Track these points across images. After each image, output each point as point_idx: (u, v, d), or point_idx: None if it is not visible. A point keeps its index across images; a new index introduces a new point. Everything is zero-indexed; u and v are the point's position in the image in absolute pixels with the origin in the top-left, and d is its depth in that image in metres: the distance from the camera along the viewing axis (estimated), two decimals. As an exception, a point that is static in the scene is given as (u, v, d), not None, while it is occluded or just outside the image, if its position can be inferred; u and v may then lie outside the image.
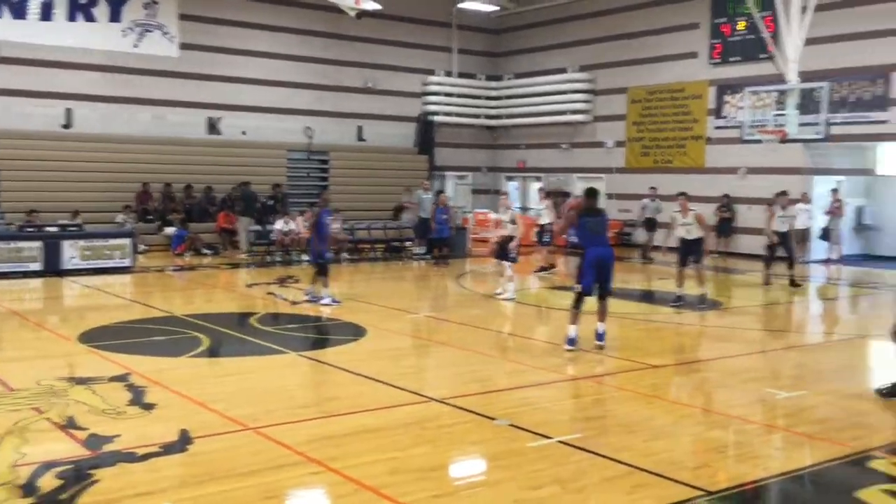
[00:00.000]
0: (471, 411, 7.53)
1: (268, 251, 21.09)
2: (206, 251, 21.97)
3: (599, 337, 10.47)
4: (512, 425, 7.10)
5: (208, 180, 23.53)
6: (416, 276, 19.85)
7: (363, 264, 21.12)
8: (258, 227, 21.61)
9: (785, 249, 16.74)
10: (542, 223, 19.38)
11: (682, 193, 15.10)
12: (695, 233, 14.35)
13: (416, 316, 13.42)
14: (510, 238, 15.07)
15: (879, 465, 6.26)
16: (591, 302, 10.60)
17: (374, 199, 25.54)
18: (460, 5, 28.09)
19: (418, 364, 10.23)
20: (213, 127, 24.88)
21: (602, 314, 10.57)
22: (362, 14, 20.26)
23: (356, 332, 11.54)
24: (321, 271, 13.97)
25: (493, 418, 7.28)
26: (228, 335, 11.43)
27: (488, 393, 8.32)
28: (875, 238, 23.60)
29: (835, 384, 9.32)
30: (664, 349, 11.34)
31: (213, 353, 10.32)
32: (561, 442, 6.66)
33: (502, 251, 15.09)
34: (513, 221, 15.30)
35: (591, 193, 10.85)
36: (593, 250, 10.38)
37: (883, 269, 21.01)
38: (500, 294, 14.94)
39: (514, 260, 14.99)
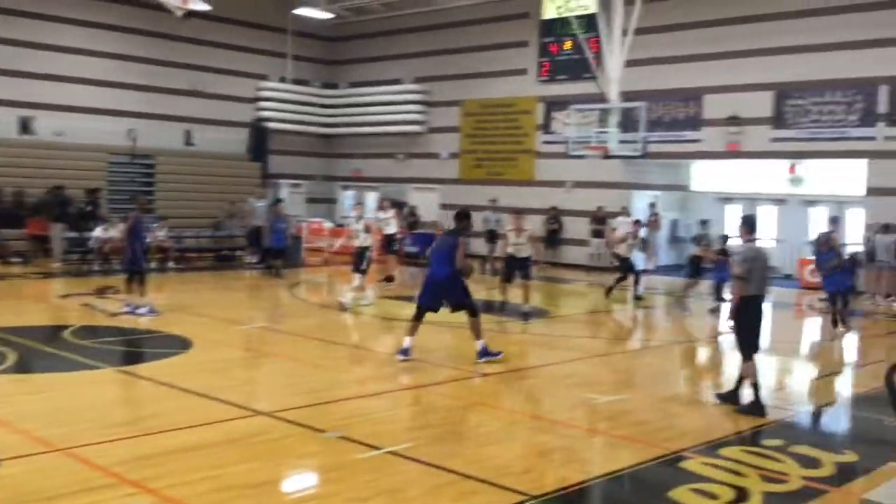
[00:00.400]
0: (300, 424, 7.36)
1: (84, 259, 19.88)
2: (14, 259, 20.43)
3: (482, 353, 10.44)
4: (342, 437, 6.99)
5: (20, 183, 21.88)
6: (247, 286, 19.33)
7: (190, 274, 20.34)
8: (74, 234, 20.35)
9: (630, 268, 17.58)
10: (389, 233, 19.22)
11: (519, 211, 15.55)
12: (524, 251, 14.76)
13: (246, 327, 13.02)
14: (365, 248, 14.90)
15: (689, 465, 6.62)
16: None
17: (203, 206, 24.61)
18: (296, 11, 27.69)
19: (246, 377, 9.92)
20: (25, 127, 23.22)
21: (473, 331, 10.55)
22: (190, 14, 19.52)
23: (181, 344, 11.05)
24: (138, 280, 13.32)
25: (322, 431, 7.15)
26: (38, 350, 10.64)
27: (319, 405, 8.17)
28: (687, 250, 25.12)
29: (652, 388, 9.82)
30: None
31: (20, 369, 9.56)
32: (391, 452, 6.62)
33: (358, 260, 14.86)
34: (366, 230, 15.17)
35: (459, 216, 11.01)
36: (429, 270, 10.70)
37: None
38: (344, 302, 14.68)
39: (363, 271, 14.85)
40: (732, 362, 12.36)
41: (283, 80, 29.23)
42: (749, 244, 8.74)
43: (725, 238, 16.28)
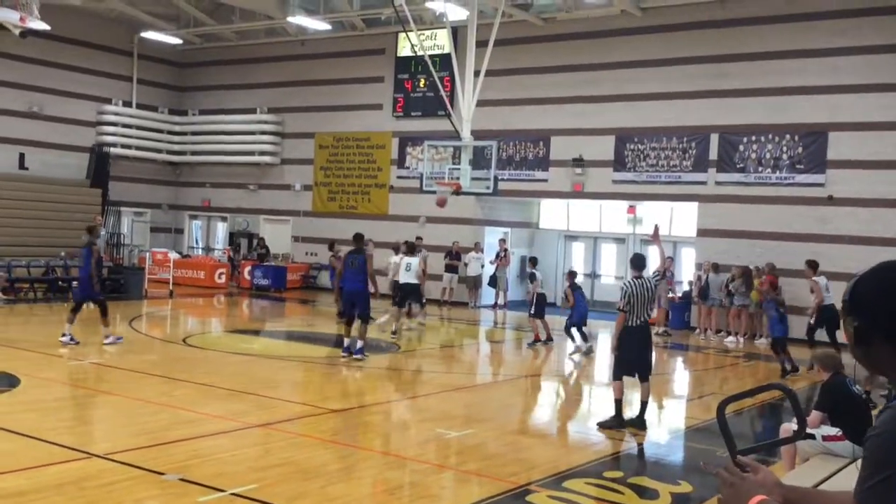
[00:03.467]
0: (138, 466, 6.98)
1: None
2: None
3: (346, 349, 13.09)
4: (183, 479, 6.68)
5: None
6: (83, 320, 18.25)
7: (21, 305, 19.05)
8: None
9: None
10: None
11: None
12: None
13: (80, 363, 12.28)
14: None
15: (536, 498, 6.74)
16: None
17: (38, 233, 23.15)
18: (142, 34, 26.80)
19: (80, 416, 9.34)
20: None
21: (357, 331, 13.08)
22: (27, 33, 18.46)
23: (8, 381, 10.28)
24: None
25: (162, 473, 6.81)
26: None
27: (158, 445, 7.78)
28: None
29: (500, 422, 9.97)
30: (345, 393, 11.45)
31: None
32: (235, 494, 6.38)
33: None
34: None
35: (356, 238, 13.80)
36: (345, 284, 13.35)
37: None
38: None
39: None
40: (581, 394, 12.77)
41: (127, 104, 28.11)
42: (634, 280, 9.51)
43: (573, 274, 16.86)
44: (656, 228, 11.08)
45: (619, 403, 9.39)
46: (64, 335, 13.41)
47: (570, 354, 15.61)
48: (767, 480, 2.17)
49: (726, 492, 2.15)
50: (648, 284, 9.57)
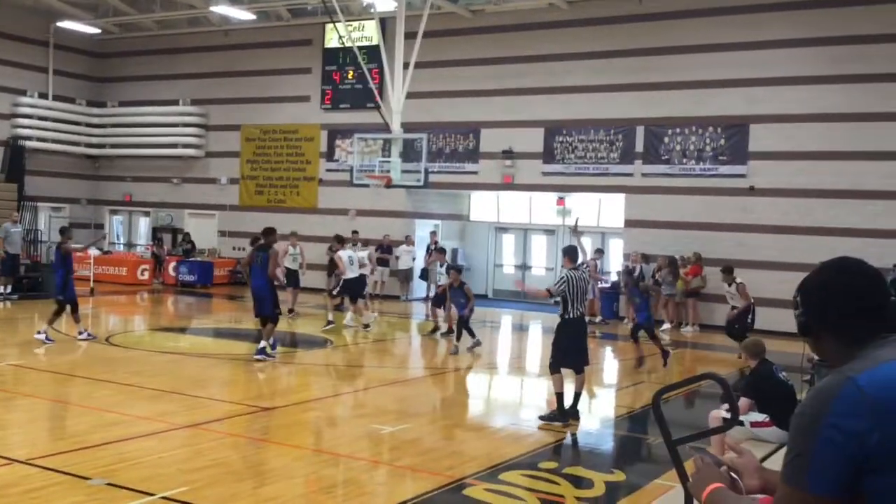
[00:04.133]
0: (62, 472, 6.72)
1: None
2: None
3: (259, 351, 12.42)
4: (109, 484, 6.46)
5: None
6: (2, 319, 17.59)
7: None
8: None
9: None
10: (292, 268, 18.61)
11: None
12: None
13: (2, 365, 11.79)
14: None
15: (473, 492, 6.72)
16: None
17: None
18: (58, 24, 25.86)
19: (-2, 421, 8.94)
20: None
21: (265, 333, 12.68)
22: None
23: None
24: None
25: (87, 478, 6.56)
26: None
27: (83, 449, 7.50)
28: (467, 277, 25.90)
29: (435, 416, 9.94)
30: (277, 390, 11.26)
31: None
32: (165, 498, 6.19)
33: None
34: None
35: (265, 232, 12.99)
36: (252, 281, 12.79)
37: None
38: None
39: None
40: (509, 386, 12.84)
41: (43, 96, 27.11)
42: (570, 271, 9.51)
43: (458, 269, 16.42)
44: (576, 222, 11.30)
45: (560, 397, 9.34)
46: (40, 332, 13.55)
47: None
48: (750, 465, 2.31)
49: (693, 477, 2.27)
50: (584, 276, 9.66)
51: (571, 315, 9.44)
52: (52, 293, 20.32)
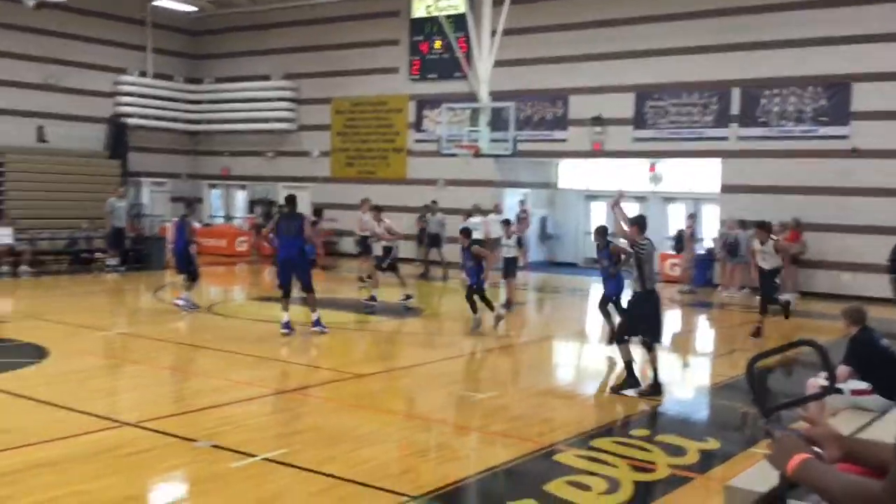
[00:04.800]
0: (169, 434, 7.07)
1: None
2: None
3: (315, 324, 12.10)
4: (214, 446, 6.76)
5: None
6: (108, 290, 18.46)
7: (45, 278, 19.22)
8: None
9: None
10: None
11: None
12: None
13: (107, 333, 12.41)
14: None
15: (563, 458, 6.76)
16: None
17: (59, 206, 23.27)
18: (155, 3, 26.65)
19: (109, 386, 9.44)
20: None
21: (309, 305, 12.32)
22: (41, 5, 18.40)
23: (37, 353, 10.42)
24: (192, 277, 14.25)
25: (193, 440, 6.89)
26: None
27: (188, 413, 7.87)
28: (556, 246, 25.87)
29: (525, 383, 10.00)
30: (369, 357, 11.51)
31: None
32: (266, 459, 6.45)
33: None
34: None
35: (289, 200, 12.59)
36: (281, 251, 12.21)
37: (563, 274, 23.06)
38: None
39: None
40: (600, 354, 12.78)
41: (143, 74, 28.07)
42: (644, 241, 9.45)
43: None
44: (619, 195, 10.83)
45: (629, 365, 9.24)
46: (179, 299, 14.34)
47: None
48: (829, 434, 2.25)
49: (774, 448, 2.20)
50: (653, 247, 9.56)
51: (647, 287, 9.24)
52: (159, 264, 21.36)
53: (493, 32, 18.60)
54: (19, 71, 24.76)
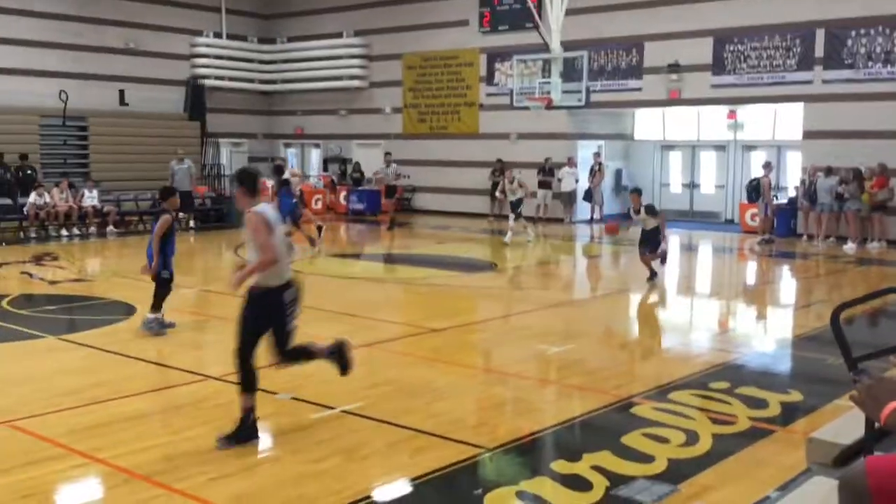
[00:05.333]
0: (251, 387, 7.25)
1: (21, 227, 19.30)
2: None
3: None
4: (294, 398, 6.94)
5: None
6: (190, 249, 18.96)
7: (131, 238, 19.85)
8: (7, 202, 19.71)
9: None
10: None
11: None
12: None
13: (190, 290, 12.78)
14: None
15: (640, 410, 6.72)
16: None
17: (141, 168, 23.94)
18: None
19: (194, 341, 9.75)
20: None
21: None
22: None
23: (125, 310, 10.82)
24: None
25: (274, 392, 7.07)
26: (-25, 321, 10.32)
27: (269, 367, 8.05)
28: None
29: (601, 336, 9.93)
30: (443, 312, 11.57)
31: (-44, 342, 9.27)
32: (344, 411, 6.59)
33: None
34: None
35: (277, 169, 14.08)
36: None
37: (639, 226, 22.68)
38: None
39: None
40: (677, 307, 12.58)
41: (217, 35, 28.44)
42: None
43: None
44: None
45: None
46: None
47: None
48: None
49: (865, 396, 2.10)
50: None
51: None
52: (238, 223, 21.79)
53: (565, -20, 18.16)
54: (101, 36, 25.38)
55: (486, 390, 7.54)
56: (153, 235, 9.59)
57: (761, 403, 6.90)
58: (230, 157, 28.84)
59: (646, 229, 13.01)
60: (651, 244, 12.96)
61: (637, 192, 13.47)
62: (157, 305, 9.42)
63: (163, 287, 9.48)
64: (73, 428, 6.17)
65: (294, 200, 16.19)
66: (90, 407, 6.72)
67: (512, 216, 18.41)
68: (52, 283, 12.88)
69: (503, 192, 18.83)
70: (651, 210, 13.11)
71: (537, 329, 10.21)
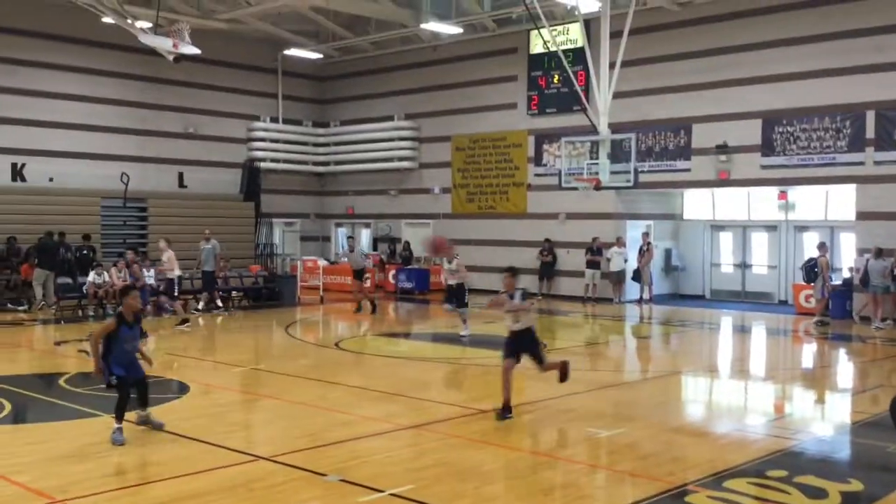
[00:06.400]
0: (300, 468, 7.29)
1: (80, 304, 19.80)
2: (14, 306, 20.37)
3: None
4: (343, 480, 6.93)
5: (12, 230, 21.78)
6: (240, 328, 19.22)
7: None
8: (68, 280, 20.29)
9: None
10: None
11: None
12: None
13: (241, 369, 12.94)
14: (461, 284, 16.24)
15: (694, 499, 6.57)
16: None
17: (197, 248, 24.49)
18: (286, 52, 27.91)
19: (244, 420, 9.84)
20: (17, 173, 23.21)
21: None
22: (180, 58, 19.59)
23: (178, 388, 10.97)
24: None
25: (323, 474, 7.08)
26: (34, 398, 10.56)
27: (318, 447, 8.09)
28: (681, 278, 25.23)
29: (653, 420, 9.76)
30: (492, 393, 11.49)
31: (15, 419, 9.48)
32: (393, 495, 6.55)
33: (458, 296, 16.19)
34: (457, 269, 16.32)
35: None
36: None
37: (689, 307, 22.46)
38: (462, 335, 15.71)
39: (465, 304, 16.15)
40: (731, 390, 12.33)
41: (274, 119, 29.39)
42: None
43: None
44: None
45: None
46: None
47: None
48: None
49: None
50: None
51: None
52: (291, 301, 22.12)
53: (612, 64, 18.51)
54: (162, 121, 26.42)
55: (535, 474, 7.44)
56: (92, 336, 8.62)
57: (821, 493, 6.70)
58: (283, 237, 29.44)
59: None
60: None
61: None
62: (117, 415, 8.28)
63: (119, 391, 8.35)
64: (127, 507, 6.25)
65: None
66: (143, 486, 6.80)
67: (448, 306, 16.66)
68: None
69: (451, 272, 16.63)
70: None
71: (587, 411, 10.08)
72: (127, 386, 8.38)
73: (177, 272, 19.45)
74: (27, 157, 23.46)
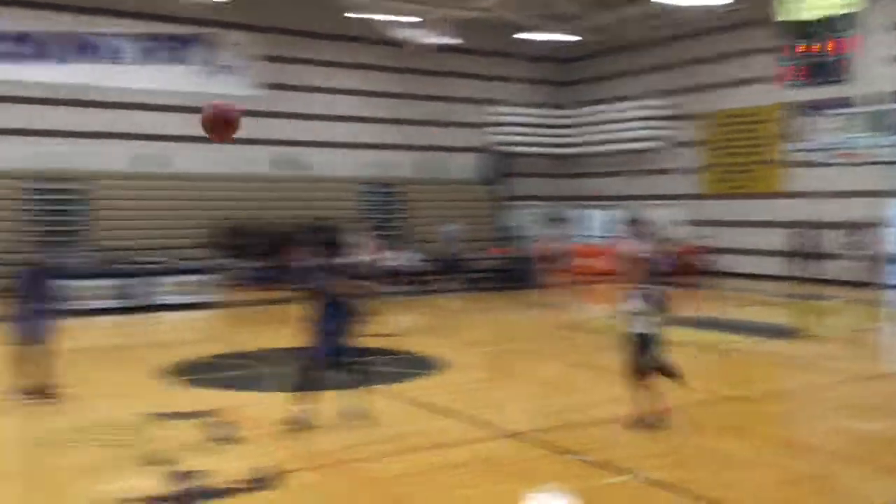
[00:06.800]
0: (547, 446, 7.59)
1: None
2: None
3: None
4: (587, 461, 7.14)
5: (285, 216, 23.91)
6: (491, 308, 19.74)
7: (436, 297, 21.10)
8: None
9: None
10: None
11: None
12: None
13: (490, 349, 13.48)
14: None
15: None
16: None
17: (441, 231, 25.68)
18: (525, 36, 28.04)
19: (494, 398, 10.18)
20: (282, 163, 25.48)
21: None
22: (418, 48, 20.78)
23: (432, 365, 11.62)
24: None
25: (569, 453, 7.33)
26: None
27: (564, 427, 8.34)
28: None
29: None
30: (739, 380, 11.17)
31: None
32: (637, 477, 6.67)
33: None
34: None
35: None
36: None
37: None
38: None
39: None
40: None
41: (517, 104, 29.99)
42: None
43: None
44: None
45: None
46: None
47: None
48: None
49: None
50: None
51: None
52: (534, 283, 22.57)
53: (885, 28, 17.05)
54: (412, 109, 27.93)
55: (784, 464, 7.21)
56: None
57: None
58: (527, 220, 30.01)
59: None
60: None
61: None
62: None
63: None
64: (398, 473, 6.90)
65: None
66: (407, 455, 7.40)
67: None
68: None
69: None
70: None
71: (846, 401, 9.57)
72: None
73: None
74: (295, 147, 25.68)
